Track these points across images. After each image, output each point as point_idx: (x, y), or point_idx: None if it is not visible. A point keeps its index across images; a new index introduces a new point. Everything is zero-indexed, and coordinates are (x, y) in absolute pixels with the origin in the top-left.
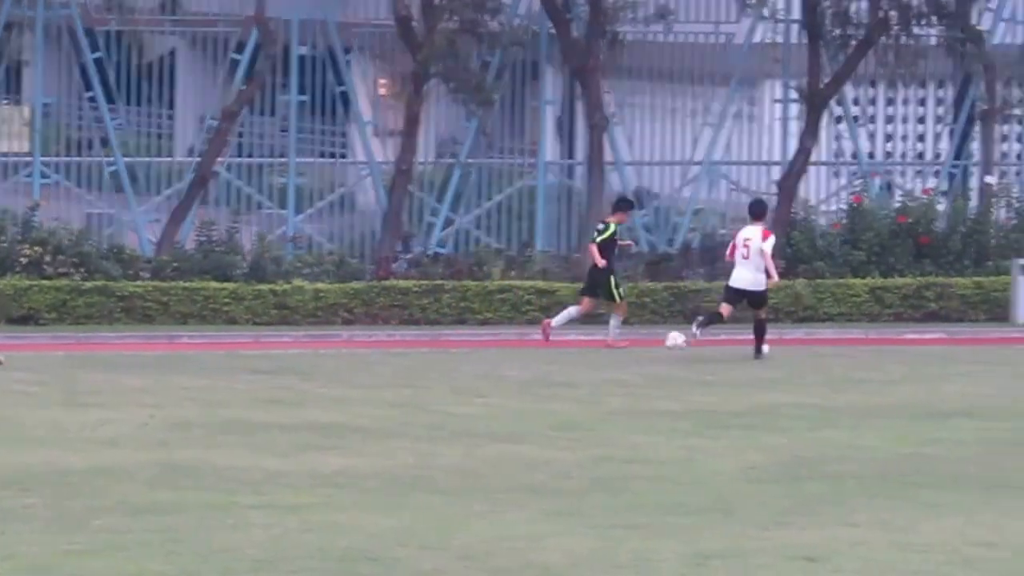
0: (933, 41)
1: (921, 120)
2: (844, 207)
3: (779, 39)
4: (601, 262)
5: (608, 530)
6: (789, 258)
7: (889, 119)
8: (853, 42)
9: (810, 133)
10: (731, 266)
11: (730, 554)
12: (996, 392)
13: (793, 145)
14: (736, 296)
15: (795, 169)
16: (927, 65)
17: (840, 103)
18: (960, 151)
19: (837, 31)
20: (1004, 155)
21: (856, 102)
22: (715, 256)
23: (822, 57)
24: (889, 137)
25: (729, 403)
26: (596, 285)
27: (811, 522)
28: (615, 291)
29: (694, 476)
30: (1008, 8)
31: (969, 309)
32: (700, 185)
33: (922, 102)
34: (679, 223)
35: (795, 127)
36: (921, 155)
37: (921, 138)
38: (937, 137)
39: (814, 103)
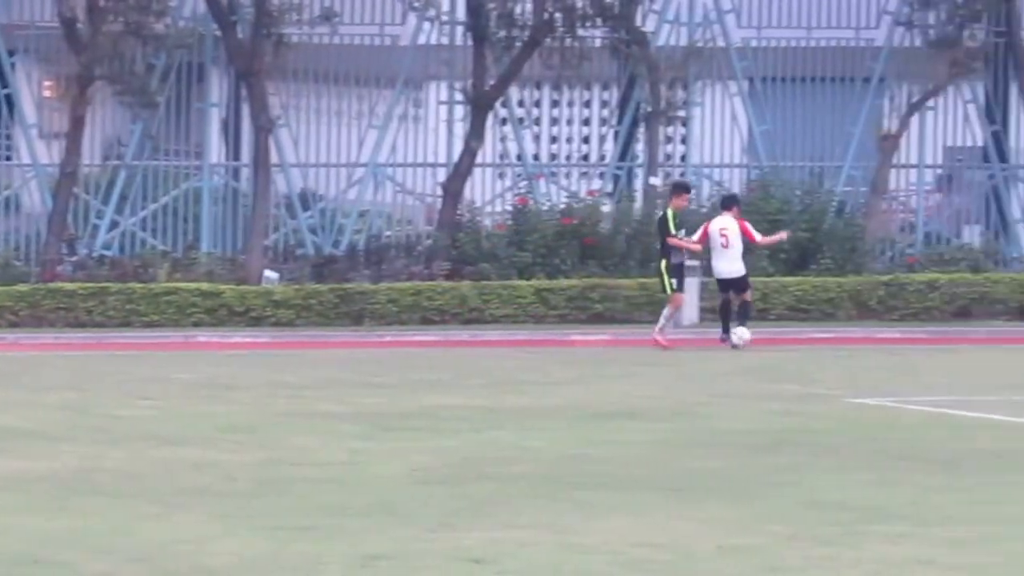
0: (598, 43)
1: (586, 122)
2: (509, 208)
3: (444, 41)
4: (697, 247)
5: (275, 532)
6: (455, 259)
7: (554, 121)
8: (518, 44)
9: (475, 135)
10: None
11: (397, 556)
12: (661, 393)
13: (459, 147)
14: (725, 285)
15: (460, 171)
16: (592, 67)
17: (505, 105)
18: (625, 153)
19: (502, 33)
20: (668, 157)
21: (521, 104)
22: (381, 257)
23: (487, 59)
24: (554, 139)
25: (395, 405)
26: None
27: (477, 524)
28: (667, 281)
29: (360, 478)
30: (672, 10)
31: (634, 310)
32: (366, 187)
33: (587, 104)
34: (344, 225)
35: (461, 129)
36: (586, 157)
37: (586, 140)
38: (602, 139)
39: (479, 105)
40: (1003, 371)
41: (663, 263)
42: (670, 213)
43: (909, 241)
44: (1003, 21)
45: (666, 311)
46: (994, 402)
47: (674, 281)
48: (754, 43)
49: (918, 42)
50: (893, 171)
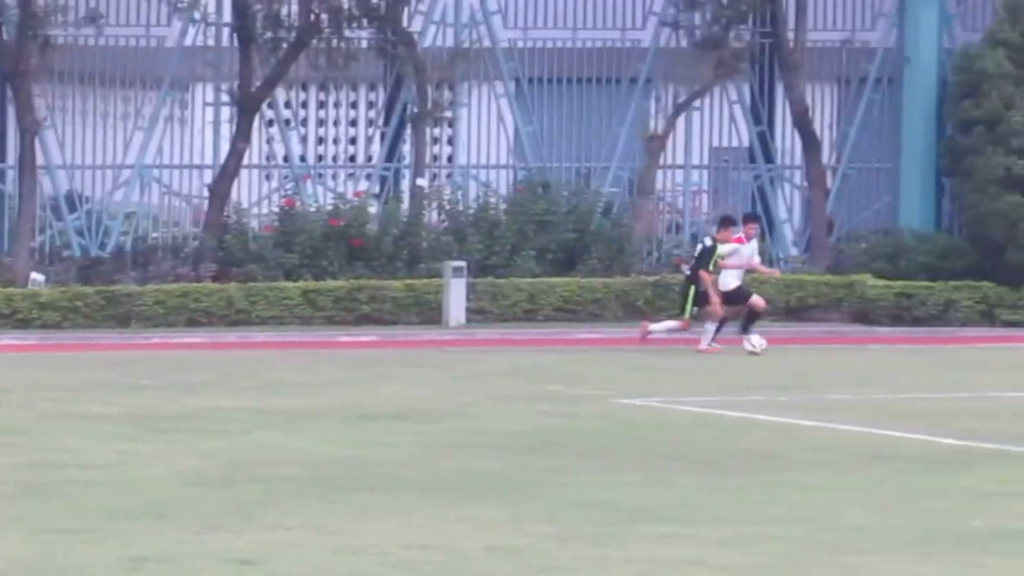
0: (365, 44)
1: (353, 123)
2: (276, 210)
3: (211, 42)
4: (718, 310)
5: (43, 535)
6: (222, 261)
7: (321, 122)
8: (285, 45)
9: (242, 136)
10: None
11: (165, 558)
12: (430, 394)
13: (225, 148)
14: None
15: (227, 172)
16: (359, 68)
17: (272, 106)
18: (392, 154)
19: (268, 34)
20: (435, 158)
21: (288, 105)
22: (148, 259)
23: (254, 60)
24: (321, 140)
25: (163, 407)
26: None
27: (246, 525)
28: (688, 306)
29: (129, 480)
30: (439, 11)
31: (402, 312)
32: (132, 188)
33: (354, 105)
34: (111, 227)
35: (227, 130)
36: (353, 158)
37: (353, 141)
38: (369, 140)
39: (246, 106)
40: (768, 371)
41: (691, 288)
42: (718, 248)
43: (676, 242)
44: (768, 22)
45: (707, 326)
46: (761, 402)
47: (695, 309)
48: (520, 44)
49: (684, 43)
50: (660, 172)
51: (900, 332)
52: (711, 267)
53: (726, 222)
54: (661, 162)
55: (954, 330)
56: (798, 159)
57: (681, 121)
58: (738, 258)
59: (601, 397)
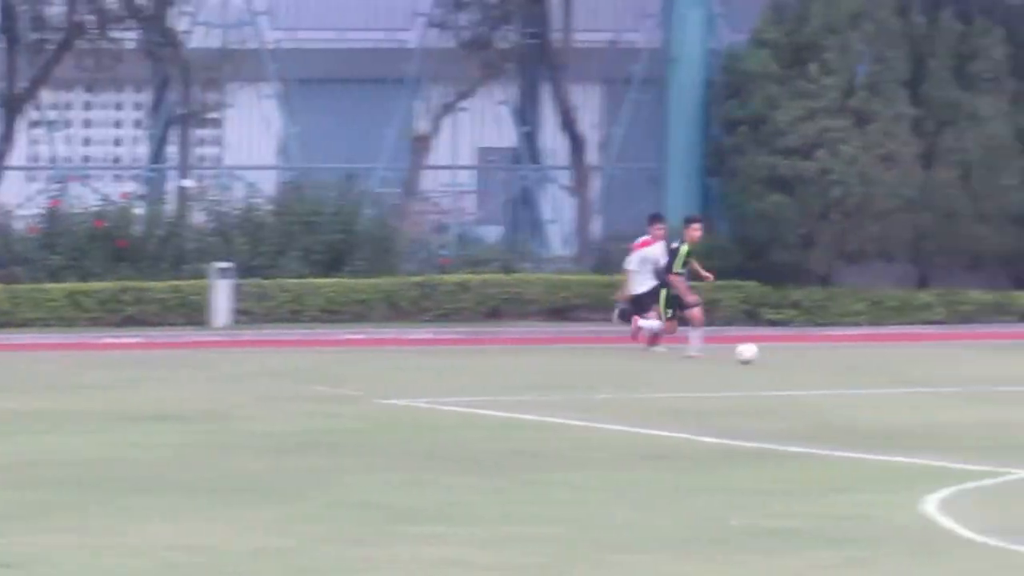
0: (131, 45)
1: (119, 124)
2: (41, 211)
3: None
4: (695, 303)
5: None
6: None
7: (87, 123)
8: (50, 46)
9: (6, 137)
10: None
11: None
12: (195, 395)
13: None
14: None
15: None
16: (125, 69)
17: (38, 107)
18: (158, 155)
19: (35, 35)
20: (201, 159)
21: (54, 106)
22: None
23: (19, 61)
24: (87, 141)
25: None
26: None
27: (8, 528)
28: (663, 309)
29: None
30: (205, 12)
31: (167, 313)
32: None
33: (120, 106)
34: None
35: None
36: (118, 159)
37: (119, 142)
38: (135, 141)
39: (10, 107)
40: (534, 371)
41: (664, 292)
42: (683, 249)
43: (442, 242)
44: (535, 23)
45: (693, 333)
46: (526, 402)
47: (670, 311)
48: (287, 45)
49: (451, 43)
50: (426, 172)
51: None
52: (679, 269)
53: (655, 219)
54: (427, 162)
55: (718, 329)
56: (564, 160)
57: (448, 122)
58: (643, 263)
59: (367, 398)
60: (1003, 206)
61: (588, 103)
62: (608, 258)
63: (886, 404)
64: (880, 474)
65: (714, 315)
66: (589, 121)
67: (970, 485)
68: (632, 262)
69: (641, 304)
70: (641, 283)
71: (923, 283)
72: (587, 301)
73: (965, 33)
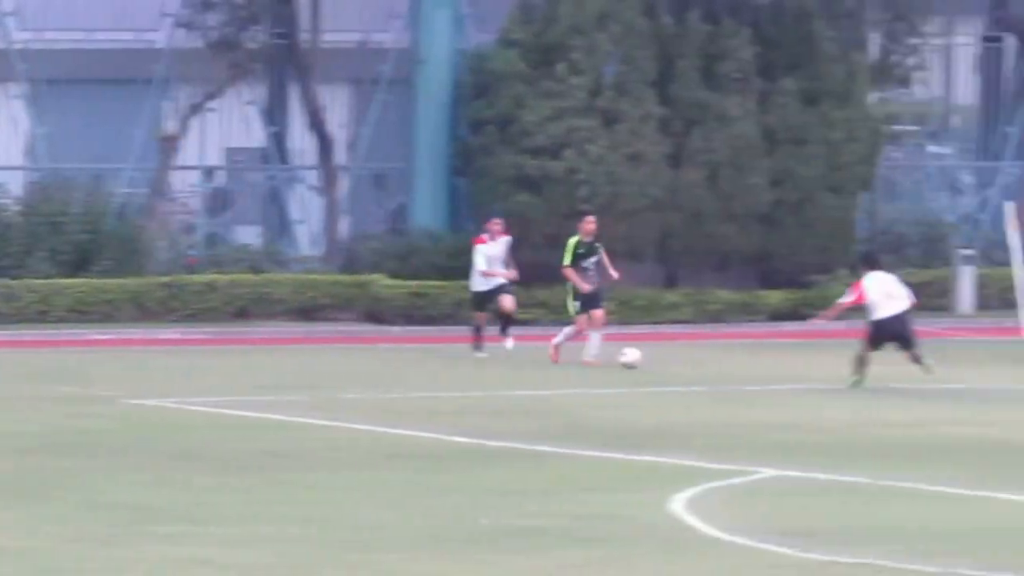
0: None
1: None
2: None
3: None
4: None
5: None
6: None
7: None
8: None
9: None
10: None
11: None
12: None
13: None
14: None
15: None
16: None
17: None
18: None
19: None
20: None
21: None
22: None
23: None
24: None
25: None
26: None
27: None
28: (570, 303)
29: None
30: None
31: None
32: None
33: None
34: None
35: None
36: None
37: None
38: None
39: None
40: (283, 371)
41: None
42: (571, 242)
43: (190, 242)
44: (283, 23)
45: (567, 329)
46: (274, 402)
47: (577, 304)
48: (36, 46)
49: (199, 44)
50: (175, 172)
51: (413, 331)
52: (568, 261)
53: (492, 217)
54: (176, 163)
55: (465, 329)
56: (313, 160)
57: (196, 122)
58: (484, 260)
59: (113, 398)
60: (750, 206)
61: (336, 103)
62: (355, 258)
63: (636, 404)
64: (629, 473)
65: (461, 315)
66: (337, 121)
67: (717, 484)
68: (480, 262)
69: (480, 303)
70: (486, 281)
71: (671, 283)
72: (335, 301)
73: (712, 34)
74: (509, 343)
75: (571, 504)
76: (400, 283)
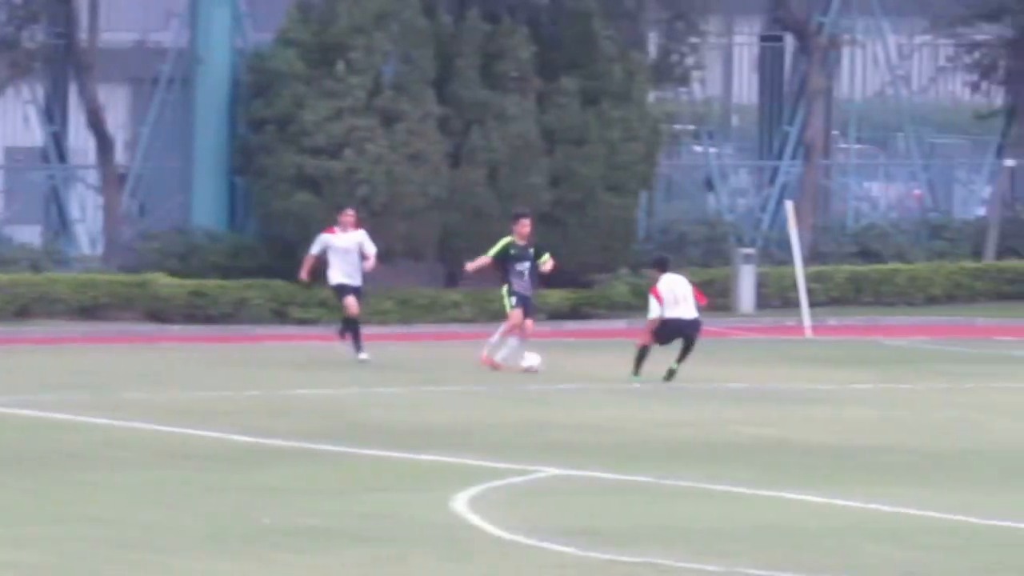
0: None
1: None
2: None
3: None
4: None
5: None
6: None
7: None
8: None
9: None
10: None
11: None
12: None
13: None
14: None
15: None
16: None
17: None
18: None
19: None
20: None
21: None
22: None
23: None
24: None
25: None
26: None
27: None
28: (506, 301)
29: None
30: None
31: None
32: None
33: None
34: None
35: None
36: None
37: None
38: None
39: None
40: (64, 371)
41: (505, 287)
42: (503, 241)
43: None
44: (62, 22)
45: (502, 327)
46: (56, 401)
47: (513, 299)
48: None
49: None
50: None
51: (193, 331)
52: (492, 253)
53: (343, 208)
54: None
55: (247, 328)
56: (92, 159)
57: None
58: (333, 252)
59: None
60: (530, 205)
61: (116, 103)
62: (136, 257)
63: (417, 403)
64: (411, 473)
65: (243, 315)
66: (117, 121)
67: (499, 483)
68: (314, 248)
69: (344, 294)
70: (333, 275)
71: (452, 282)
72: (116, 300)
73: (491, 33)
74: (345, 347)
75: (354, 503)
76: (180, 282)
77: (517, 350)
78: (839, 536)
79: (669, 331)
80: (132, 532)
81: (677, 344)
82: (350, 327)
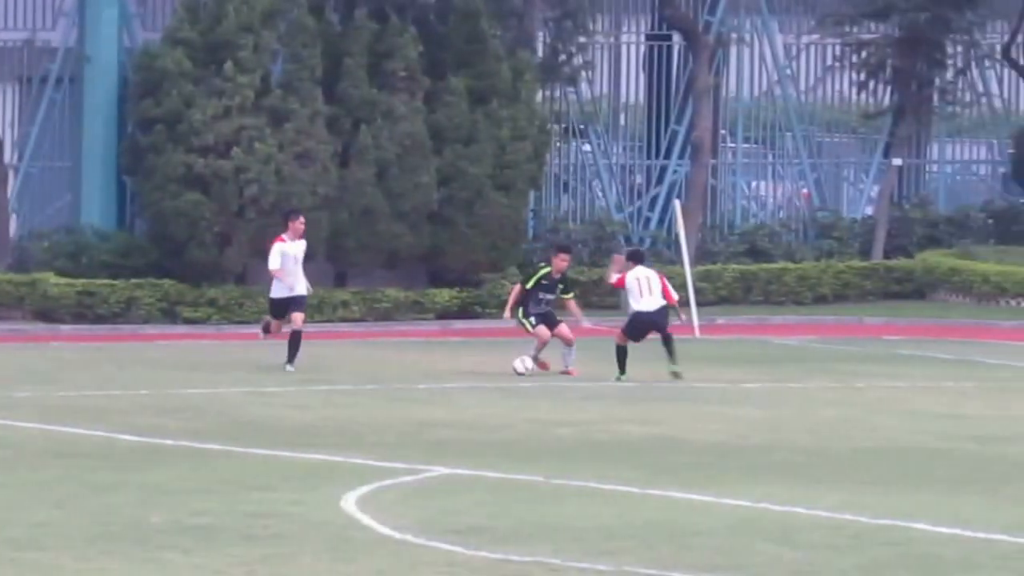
0: None
1: None
2: None
3: None
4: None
5: None
6: None
7: None
8: None
9: None
10: None
11: None
12: None
13: None
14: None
15: None
16: None
17: None
18: None
19: None
20: None
21: None
22: None
23: None
24: None
25: None
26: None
27: None
28: (526, 323)
29: None
30: None
31: None
32: None
33: None
34: None
35: None
36: None
37: None
38: None
39: None
40: None
41: (520, 310)
42: (540, 270)
43: None
44: None
45: (532, 351)
46: None
47: (532, 319)
48: None
49: None
50: None
51: (83, 330)
52: (528, 284)
53: (290, 213)
54: None
55: (136, 327)
56: None
57: None
58: (285, 260)
59: None
60: (419, 204)
61: (3, 102)
62: (25, 257)
63: (305, 402)
64: (300, 471)
65: (133, 314)
66: (5, 120)
67: (389, 482)
68: (274, 261)
69: (279, 310)
70: (284, 288)
71: (341, 281)
72: (4, 300)
73: (380, 32)
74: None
75: (243, 502)
76: (69, 281)
77: (569, 354)
78: (728, 535)
79: (640, 325)
80: (19, 531)
81: (657, 348)
82: (293, 345)
